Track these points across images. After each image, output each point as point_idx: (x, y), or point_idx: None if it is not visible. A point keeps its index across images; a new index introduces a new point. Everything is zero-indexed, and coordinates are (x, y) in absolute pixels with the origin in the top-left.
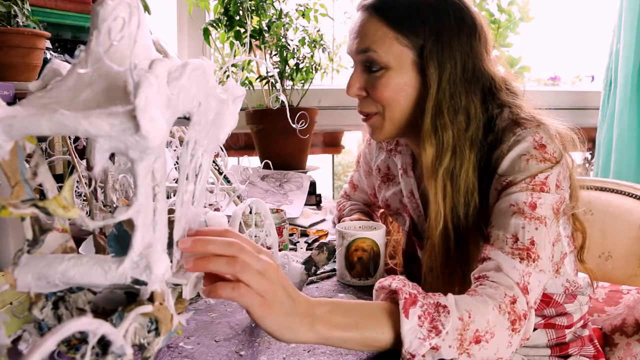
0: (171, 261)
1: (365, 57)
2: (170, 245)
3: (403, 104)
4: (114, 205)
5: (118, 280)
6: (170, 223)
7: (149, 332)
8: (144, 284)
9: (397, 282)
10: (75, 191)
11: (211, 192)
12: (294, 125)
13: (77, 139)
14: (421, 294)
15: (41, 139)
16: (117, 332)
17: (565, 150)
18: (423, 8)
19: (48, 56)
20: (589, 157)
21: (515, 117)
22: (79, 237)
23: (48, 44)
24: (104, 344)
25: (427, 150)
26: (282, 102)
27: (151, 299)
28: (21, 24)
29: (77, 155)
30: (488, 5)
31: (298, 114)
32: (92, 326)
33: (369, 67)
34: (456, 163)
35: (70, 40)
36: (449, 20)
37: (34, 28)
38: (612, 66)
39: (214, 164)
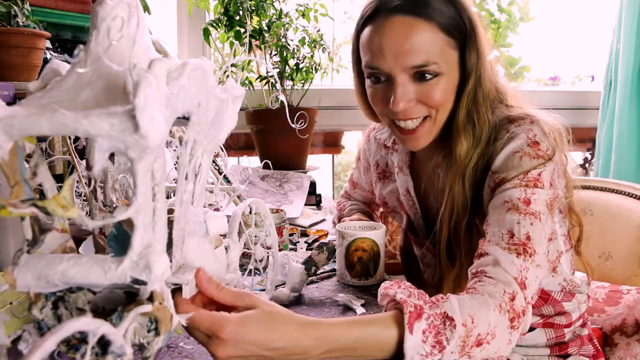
0: (171, 261)
1: (424, 70)
2: (170, 245)
3: (450, 106)
4: (114, 205)
5: (117, 280)
6: (170, 223)
7: (148, 331)
8: (144, 283)
9: (402, 291)
10: (76, 191)
11: (211, 192)
12: (293, 125)
13: (77, 138)
14: (427, 304)
15: (41, 139)
16: (117, 332)
17: (559, 148)
18: (458, 5)
19: (48, 56)
20: (589, 157)
21: (509, 115)
22: (79, 237)
23: (48, 44)
24: (103, 344)
25: (462, 144)
26: (282, 102)
27: (151, 299)
28: (21, 24)
29: (77, 155)
30: (488, 5)
31: (297, 114)
32: (92, 326)
33: (421, 77)
34: (479, 160)
35: (70, 40)
36: (470, 14)
37: (34, 28)
38: (612, 66)
39: (214, 164)
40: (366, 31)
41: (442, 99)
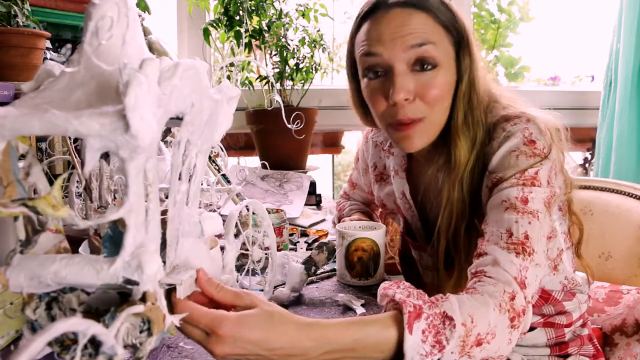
0: (164, 262)
1: (421, 53)
2: (163, 245)
3: (447, 105)
4: (109, 206)
5: (110, 280)
6: (164, 223)
7: (141, 332)
8: (136, 283)
9: (401, 291)
10: (76, 191)
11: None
12: (288, 125)
13: (77, 139)
14: (427, 304)
15: (41, 139)
16: (108, 332)
17: (556, 145)
18: (454, 11)
19: (48, 56)
20: (589, 157)
21: (505, 114)
22: (78, 238)
23: (48, 44)
24: (96, 345)
25: (462, 147)
26: (278, 102)
27: (143, 299)
28: (21, 24)
29: (77, 155)
30: (488, 5)
31: (294, 114)
32: (81, 326)
33: (420, 66)
34: (476, 163)
35: (70, 40)
36: (464, 22)
37: (34, 28)
38: (612, 66)
39: (214, 164)
40: (363, 27)
41: (440, 94)
